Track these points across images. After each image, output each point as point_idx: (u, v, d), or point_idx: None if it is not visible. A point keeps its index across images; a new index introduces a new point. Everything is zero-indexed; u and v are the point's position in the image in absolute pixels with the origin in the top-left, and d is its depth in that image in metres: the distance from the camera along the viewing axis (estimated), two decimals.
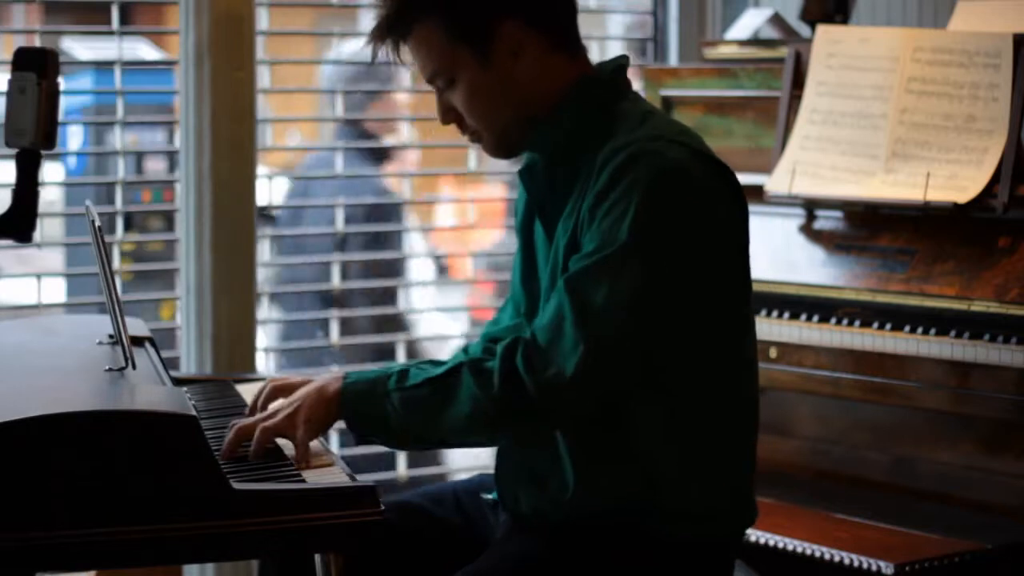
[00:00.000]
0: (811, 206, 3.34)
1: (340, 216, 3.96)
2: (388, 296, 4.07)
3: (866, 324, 3.13)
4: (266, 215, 3.98)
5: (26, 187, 2.15)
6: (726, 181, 2.22)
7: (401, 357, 3.93)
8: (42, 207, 2.24)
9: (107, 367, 2.24)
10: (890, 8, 3.88)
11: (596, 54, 3.93)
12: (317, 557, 2.26)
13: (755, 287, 2.32)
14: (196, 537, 1.88)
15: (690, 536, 2.24)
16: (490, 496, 2.42)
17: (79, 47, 4.22)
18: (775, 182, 3.32)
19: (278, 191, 4.29)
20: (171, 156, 4.18)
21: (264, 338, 3.78)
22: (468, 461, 4.09)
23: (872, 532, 3.03)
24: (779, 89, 3.43)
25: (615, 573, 2.22)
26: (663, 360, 2.18)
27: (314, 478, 2.03)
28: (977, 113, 3.12)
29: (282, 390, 2.28)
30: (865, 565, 2.86)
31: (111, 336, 2.46)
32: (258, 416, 2.20)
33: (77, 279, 4.14)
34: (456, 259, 7.19)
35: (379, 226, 4.15)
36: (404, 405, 2.16)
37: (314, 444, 2.21)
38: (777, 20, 3.84)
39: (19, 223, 2.16)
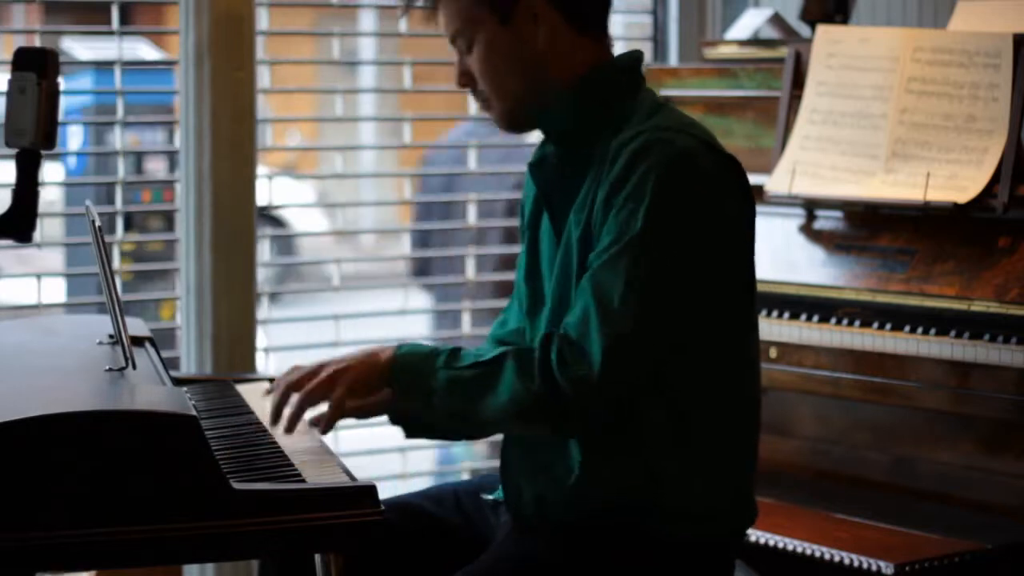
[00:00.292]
0: (811, 206, 3.34)
1: (472, 211, 4.05)
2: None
3: (866, 324, 3.13)
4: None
5: (26, 187, 2.15)
6: (734, 174, 2.24)
7: None
8: (42, 207, 2.24)
9: (107, 367, 2.24)
10: (890, 8, 3.88)
11: None
12: (317, 557, 2.25)
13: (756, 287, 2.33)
14: (196, 537, 1.88)
15: (690, 536, 2.24)
16: (491, 496, 2.42)
17: (79, 47, 4.22)
18: (775, 182, 3.32)
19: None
20: (171, 156, 4.19)
21: (264, 338, 3.78)
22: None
23: (872, 532, 3.03)
24: (779, 89, 3.43)
25: (616, 573, 2.22)
26: (668, 355, 2.19)
27: (314, 478, 2.03)
28: (977, 113, 3.12)
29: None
30: (865, 565, 2.86)
31: (111, 336, 2.46)
32: (305, 372, 2.23)
33: (77, 279, 4.15)
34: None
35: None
36: (449, 384, 2.18)
37: (314, 440, 2.21)
38: (777, 20, 3.84)
39: (19, 223, 2.16)
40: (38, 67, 2.11)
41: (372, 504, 1.94)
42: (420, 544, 2.40)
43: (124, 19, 3.61)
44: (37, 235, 2.39)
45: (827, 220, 3.34)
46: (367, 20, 9.39)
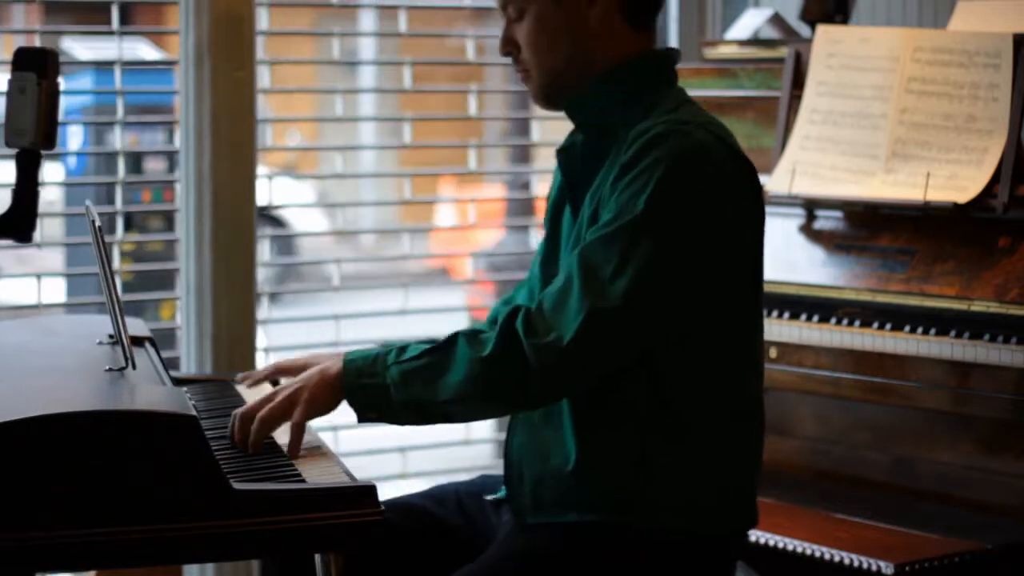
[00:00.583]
0: (811, 206, 3.34)
1: None
2: None
3: (866, 324, 3.13)
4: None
5: (26, 187, 2.15)
6: (747, 176, 2.24)
7: None
8: (42, 207, 2.24)
9: (107, 367, 2.24)
10: (890, 8, 3.88)
11: None
12: (317, 557, 2.25)
13: None
14: (196, 537, 1.88)
15: (687, 532, 2.24)
16: (493, 496, 2.42)
17: (79, 47, 4.23)
18: (775, 182, 3.32)
19: None
20: (171, 156, 4.19)
21: (264, 338, 3.78)
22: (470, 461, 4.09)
23: (872, 532, 3.03)
24: (779, 89, 3.43)
25: (615, 572, 2.22)
26: (666, 347, 2.19)
27: (314, 478, 2.03)
28: (977, 113, 3.12)
29: (286, 370, 2.30)
30: (865, 565, 2.86)
31: (111, 336, 2.46)
32: (259, 400, 2.21)
33: (77, 279, 4.15)
34: (456, 259, 7.22)
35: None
36: (403, 377, 2.18)
37: (313, 440, 2.21)
38: (777, 20, 3.84)
39: (19, 223, 2.16)
40: (38, 67, 2.11)
41: (372, 504, 1.94)
42: (421, 544, 2.40)
43: (124, 19, 3.61)
44: (37, 235, 2.39)
45: (827, 220, 3.34)
46: (367, 20, 9.39)
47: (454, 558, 2.33)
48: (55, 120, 2.13)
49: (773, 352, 3.23)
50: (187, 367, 3.59)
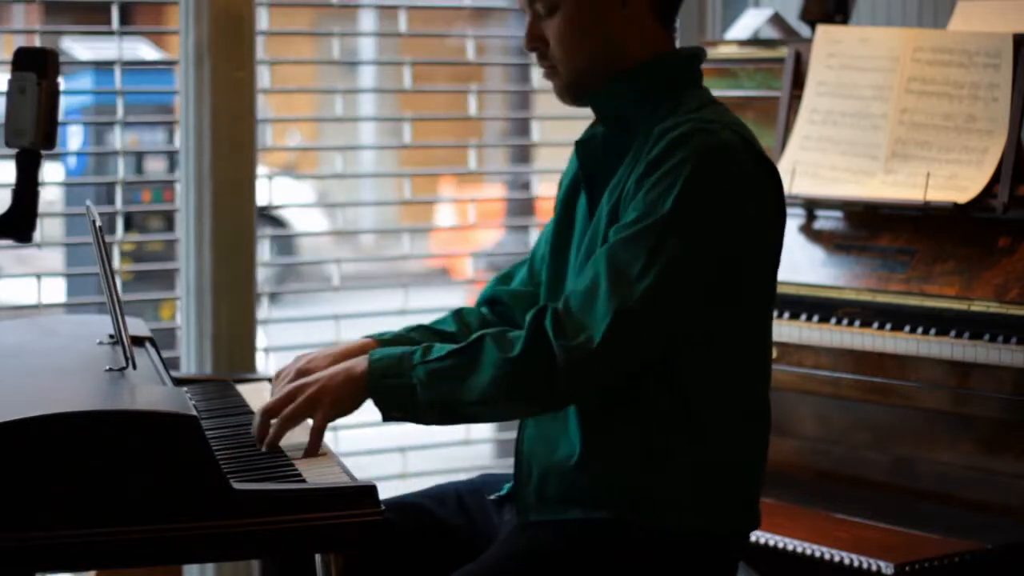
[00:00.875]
0: (811, 206, 3.34)
1: None
2: None
3: (866, 324, 3.13)
4: None
5: (26, 187, 2.15)
6: (770, 180, 2.25)
7: None
8: (42, 207, 2.24)
9: (107, 367, 2.24)
10: (890, 8, 3.88)
11: None
12: (317, 557, 2.26)
13: None
14: (196, 537, 1.88)
15: (693, 535, 2.24)
16: (495, 495, 2.42)
17: (79, 47, 4.23)
18: None
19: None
20: (171, 156, 4.19)
21: (264, 338, 3.78)
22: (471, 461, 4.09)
23: (872, 532, 3.03)
24: (779, 89, 3.43)
25: (618, 571, 2.22)
26: (679, 344, 2.19)
27: (314, 478, 2.03)
28: (977, 113, 3.12)
29: (305, 371, 2.30)
30: (865, 565, 2.86)
31: (111, 336, 2.46)
32: (281, 396, 2.20)
33: (77, 279, 4.15)
34: (456, 259, 7.21)
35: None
36: (429, 377, 2.18)
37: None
38: (777, 20, 3.85)
39: (19, 223, 2.16)
40: (38, 67, 2.11)
41: (372, 504, 1.94)
42: (421, 544, 2.40)
43: (124, 19, 3.61)
44: (37, 235, 2.39)
45: (827, 220, 3.34)
46: (367, 20, 9.39)
47: (455, 558, 2.33)
48: (55, 120, 2.13)
49: (773, 352, 3.22)
50: (187, 367, 3.59)
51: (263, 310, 3.72)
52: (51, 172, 4.55)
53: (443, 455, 4.11)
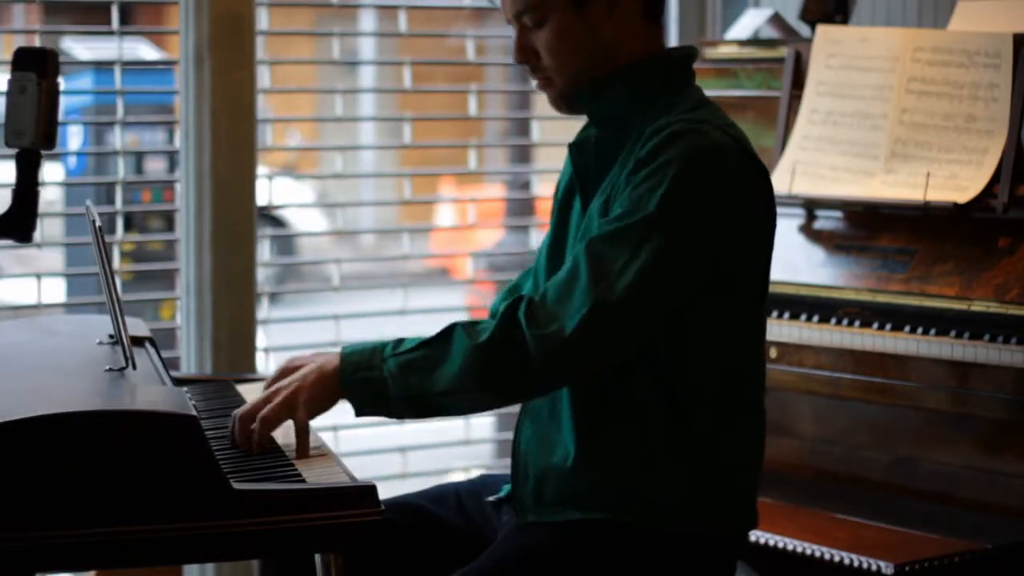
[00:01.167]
0: (811, 206, 3.34)
1: None
2: None
3: (866, 324, 3.13)
4: None
5: (26, 187, 2.15)
6: (760, 178, 2.25)
7: None
8: (42, 207, 2.24)
9: (107, 367, 2.24)
10: (890, 8, 3.88)
11: None
12: (317, 557, 2.25)
13: None
14: (196, 537, 1.88)
15: (690, 536, 2.24)
16: (493, 497, 2.42)
17: (79, 47, 4.23)
18: (775, 182, 3.28)
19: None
20: (171, 156, 4.19)
21: (264, 338, 3.78)
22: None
23: (872, 532, 3.03)
24: (779, 89, 3.43)
25: (616, 572, 2.22)
26: (675, 346, 2.19)
27: (314, 478, 2.03)
28: (977, 113, 3.12)
29: (290, 371, 2.29)
30: (865, 565, 2.86)
31: (111, 336, 2.46)
32: (257, 400, 2.20)
33: (77, 279, 4.15)
34: (456, 259, 7.22)
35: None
36: (400, 369, 2.16)
37: (314, 440, 2.21)
38: (777, 20, 3.84)
39: (19, 223, 2.16)
40: (38, 67, 2.11)
41: (372, 504, 1.94)
42: (421, 544, 2.40)
43: (124, 19, 3.61)
44: (37, 235, 2.38)
45: (827, 220, 3.34)
46: (367, 20, 9.39)
47: (454, 558, 2.33)
48: (55, 120, 2.13)
49: (773, 352, 3.23)
50: (187, 367, 3.59)
51: (263, 310, 3.72)
52: (51, 172, 4.55)
53: (443, 455, 4.11)
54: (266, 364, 3.76)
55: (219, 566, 3.66)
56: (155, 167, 4.67)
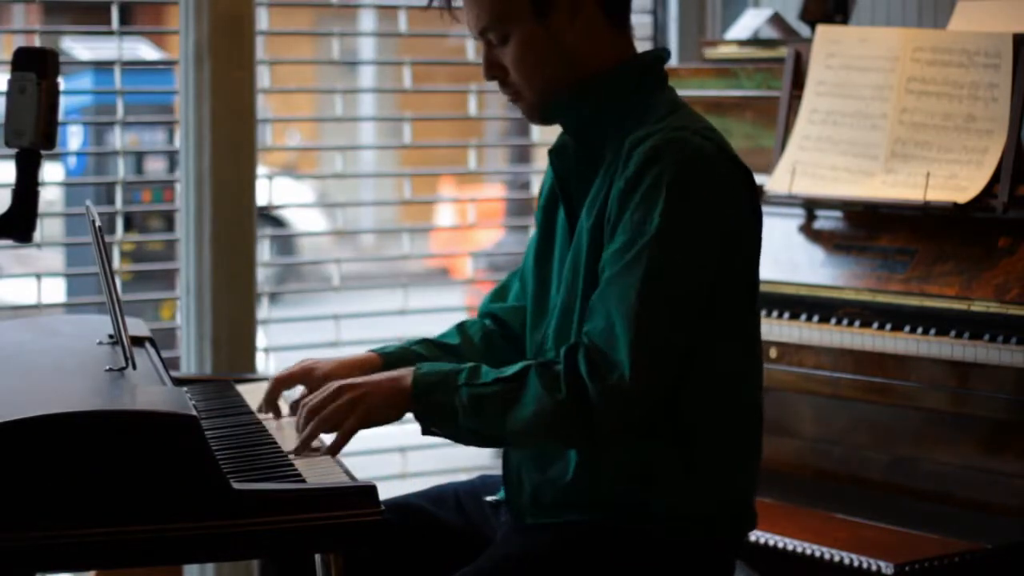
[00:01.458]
0: (811, 206, 3.34)
1: None
2: None
3: (866, 324, 3.13)
4: None
5: (26, 187, 2.15)
6: (745, 182, 2.25)
7: None
8: (42, 207, 2.24)
9: (107, 367, 2.24)
10: (890, 8, 3.88)
11: None
12: (317, 557, 2.25)
13: None
14: (196, 537, 1.88)
15: (689, 537, 2.24)
16: (493, 497, 2.42)
17: (79, 47, 4.23)
18: (775, 182, 3.32)
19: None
20: (171, 156, 4.19)
21: (264, 338, 3.78)
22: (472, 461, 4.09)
23: (872, 532, 3.03)
24: (779, 89, 3.43)
25: (614, 573, 2.22)
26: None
27: (314, 478, 2.03)
28: (977, 113, 3.12)
29: (316, 370, 2.33)
30: (865, 565, 2.86)
31: (111, 336, 2.46)
32: (324, 395, 2.20)
33: (77, 279, 4.15)
34: (456, 259, 7.22)
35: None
36: (472, 401, 2.18)
37: (314, 444, 2.21)
38: (777, 20, 3.85)
39: (19, 223, 2.16)
40: (38, 67, 2.11)
41: (372, 504, 1.94)
42: (420, 544, 2.40)
43: (124, 19, 3.61)
44: (37, 235, 2.38)
45: (827, 220, 3.34)
46: (367, 20, 9.39)
47: (453, 558, 2.33)
48: (55, 120, 2.13)
49: (773, 352, 3.23)
50: (187, 367, 3.59)
51: (263, 310, 3.72)
52: (51, 172, 4.55)
53: (443, 455, 4.11)
54: (266, 364, 3.76)
55: (219, 566, 3.66)
56: (155, 167, 4.67)
